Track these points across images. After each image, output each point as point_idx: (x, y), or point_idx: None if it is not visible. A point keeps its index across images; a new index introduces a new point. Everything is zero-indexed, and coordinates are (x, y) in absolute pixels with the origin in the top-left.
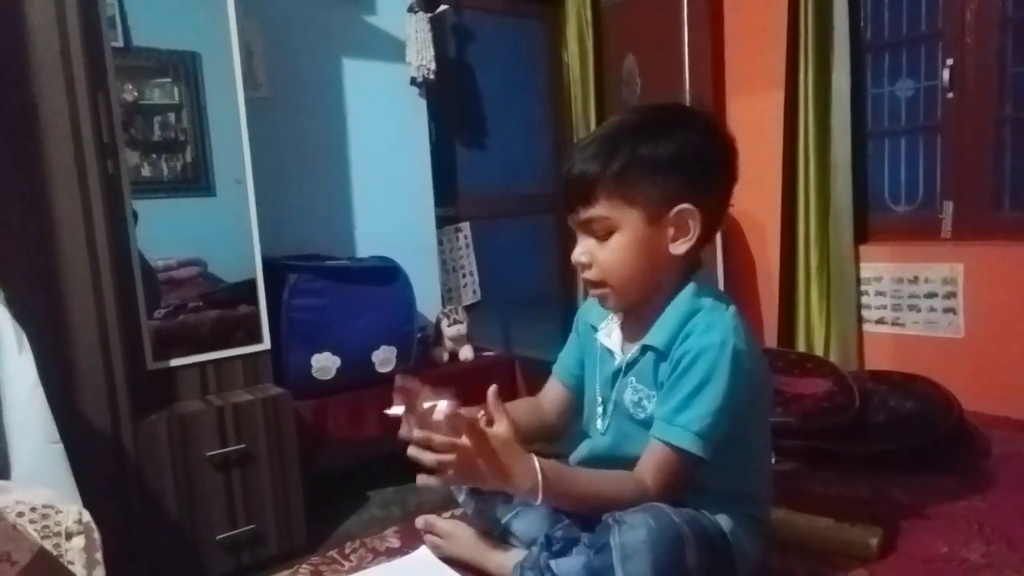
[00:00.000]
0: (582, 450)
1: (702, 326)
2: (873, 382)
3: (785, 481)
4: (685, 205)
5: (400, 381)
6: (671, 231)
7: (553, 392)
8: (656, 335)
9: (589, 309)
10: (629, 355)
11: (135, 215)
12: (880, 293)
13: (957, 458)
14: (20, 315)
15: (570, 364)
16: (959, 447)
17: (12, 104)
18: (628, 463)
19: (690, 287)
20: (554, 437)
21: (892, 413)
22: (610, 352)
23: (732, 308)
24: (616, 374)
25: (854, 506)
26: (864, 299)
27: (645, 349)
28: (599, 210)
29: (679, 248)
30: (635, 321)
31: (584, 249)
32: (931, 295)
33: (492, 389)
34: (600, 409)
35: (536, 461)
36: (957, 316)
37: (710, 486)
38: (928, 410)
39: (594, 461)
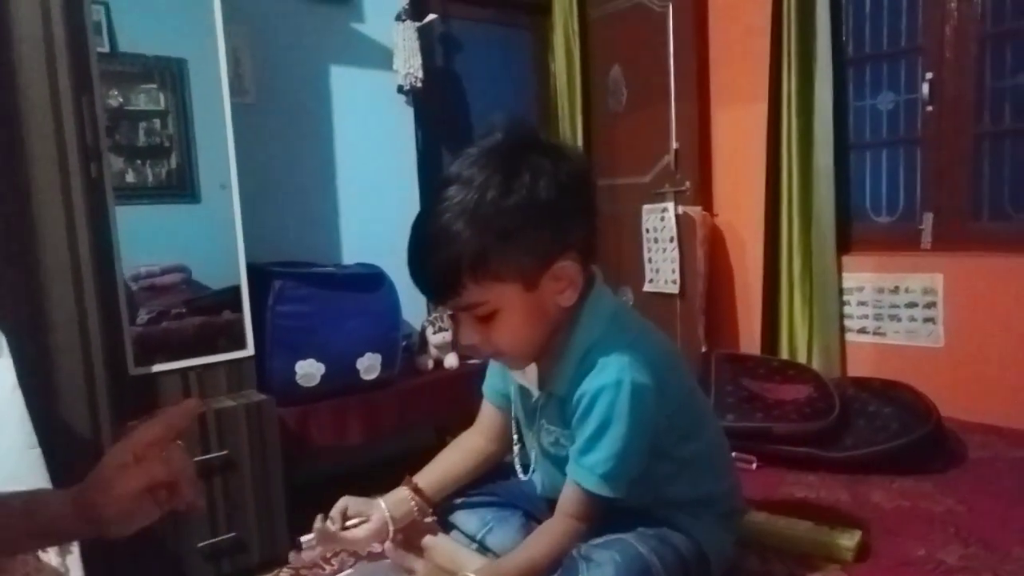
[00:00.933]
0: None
1: (597, 366)
2: (854, 388)
3: (765, 486)
4: (561, 262)
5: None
6: (553, 286)
7: (488, 417)
8: (557, 383)
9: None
10: (540, 398)
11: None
12: (862, 303)
13: (935, 462)
14: (1, 321)
15: (498, 385)
16: (937, 452)
17: None
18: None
19: (585, 320)
20: (497, 462)
21: (871, 418)
22: (525, 389)
23: (626, 335)
24: (532, 414)
25: (834, 509)
26: (847, 308)
27: (550, 395)
28: (470, 297)
29: (567, 300)
30: (544, 357)
31: (469, 332)
32: (912, 305)
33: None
34: (526, 443)
35: None
36: (937, 325)
37: (674, 498)
38: (907, 416)
39: (536, 501)
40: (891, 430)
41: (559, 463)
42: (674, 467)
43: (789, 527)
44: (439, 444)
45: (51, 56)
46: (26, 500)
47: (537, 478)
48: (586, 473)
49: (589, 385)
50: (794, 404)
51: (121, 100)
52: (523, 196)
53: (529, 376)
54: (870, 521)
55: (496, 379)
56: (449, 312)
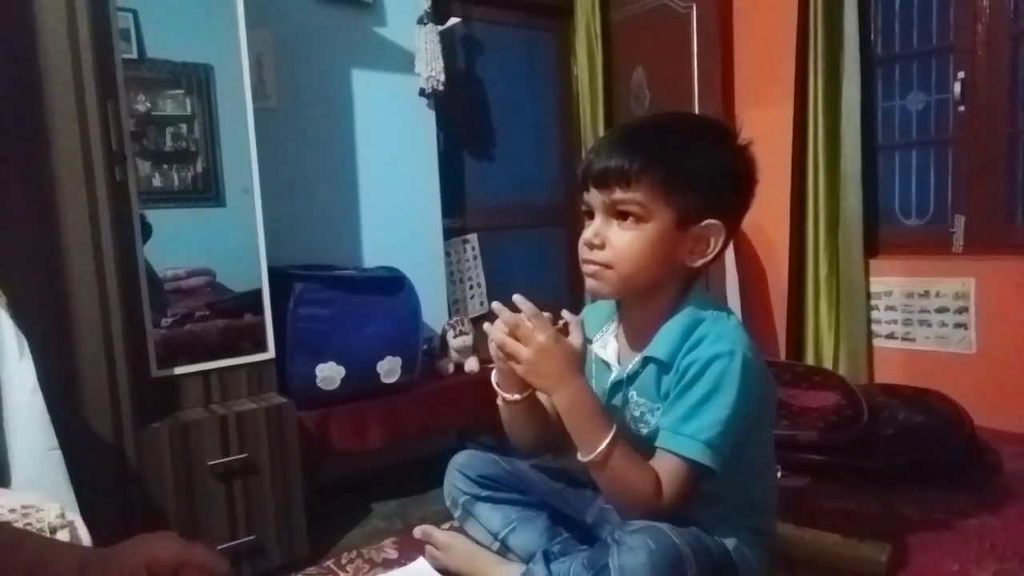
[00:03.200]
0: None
1: (711, 336)
2: (883, 396)
3: (792, 496)
4: (714, 221)
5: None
6: (692, 243)
7: (550, 404)
8: (659, 346)
9: (584, 320)
10: (629, 368)
11: (149, 227)
12: (890, 307)
13: (968, 474)
14: (25, 321)
15: None
16: (970, 463)
17: (22, 112)
18: None
19: (692, 298)
20: (556, 449)
21: (902, 427)
22: (606, 364)
23: (734, 318)
24: (615, 387)
25: (863, 522)
26: (874, 313)
27: (647, 361)
28: (637, 195)
29: (694, 261)
30: (632, 332)
31: (599, 229)
32: (942, 310)
33: (568, 316)
34: None
35: (584, 384)
36: (969, 331)
37: (717, 497)
38: (939, 425)
39: (568, 498)
40: (922, 440)
41: (638, 439)
42: (737, 468)
43: (816, 540)
44: (460, 449)
45: (77, 62)
46: (35, 551)
47: None
48: (687, 440)
49: (702, 353)
50: (820, 411)
51: (149, 105)
52: (723, 160)
53: (610, 351)
54: (901, 535)
55: None
56: (586, 213)
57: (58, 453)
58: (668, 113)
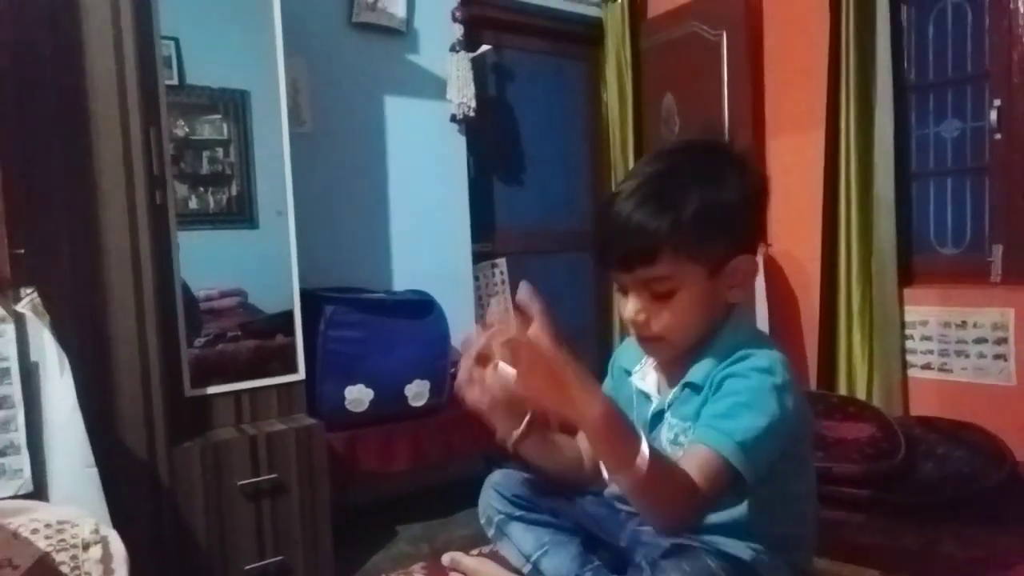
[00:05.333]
0: (611, 491)
1: (752, 356)
2: (920, 429)
3: (827, 529)
4: (745, 255)
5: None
6: (728, 281)
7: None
8: (697, 372)
9: (623, 352)
10: (669, 396)
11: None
12: (926, 337)
13: (1010, 511)
14: (65, 339)
15: None
16: (1012, 499)
17: (69, 138)
18: None
19: (732, 326)
20: (589, 483)
21: (940, 462)
22: (646, 396)
23: (772, 346)
24: (656, 417)
25: (901, 558)
26: (909, 343)
27: (684, 387)
28: (662, 269)
29: (736, 296)
30: (672, 361)
31: (640, 307)
32: (980, 340)
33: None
34: None
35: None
36: (1008, 363)
37: (755, 530)
38: (980, 459)
39: (602, 523)
40: (962, 474)
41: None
42: (780, 500)
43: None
44: (487, 473)
45: (122, 89)
46: None
47: None
48: (724, 437)
49: (738, 367)
50: (856, 443)
51: (187, 130)
52: (732, 191)
53: (649, 382)
54: (942, 573)
55: None
56: (618, 287)
57: (94, 471)
58: (665, 156)
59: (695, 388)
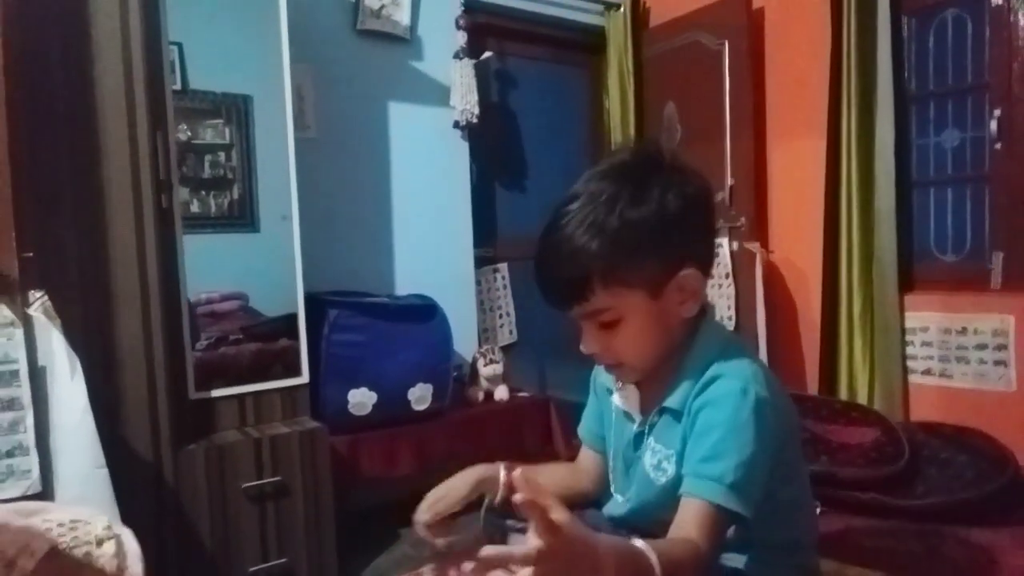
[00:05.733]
0: (607, 509)
1: (723, 376)
2: (923, 433)
3: (832, 532)
4: (687, 271)
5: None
6: (677, 298)
7: (587, 460)
8: (675, 397)
9: (601, 371)
10: (649, 418)
11: None
12: (927, 343)
13: (1013, 515)
14: (73, 343)
15: (594, 427)
16: (1016, 503)
17: (77, 143)
18: (648, 529)
19: (703, 339)
20: (588, 503)
21: (944, 466)
22: (627, 415)
23: (746, 354)
24: (639, 438)
25: (905, 561)
26: (910, 349)
27: (663, 411)
28: (597, 303)
29: (689, 311)
30: (650, 380)
31: (591, 339)
32: (981, 347)
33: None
34: (622, 473)
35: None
36: (1008, 368)
37: (757, 540)
38: (983, 464)
39: (614, 526)
40: (966, 479)
41: (657, 489)
42: (771, 508)
43: None
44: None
45: (130, 94)
46: None
47: (618, 505)
48: (713, 485)
49: (712, 394)
50: (859, 448)
51: (189, 134)
52: (652, 209)
53: (631, 401)
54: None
55: (592, 422)
56: (572, 314)
57: (105, 471)
58: (594, 177)
59: (673, 413)
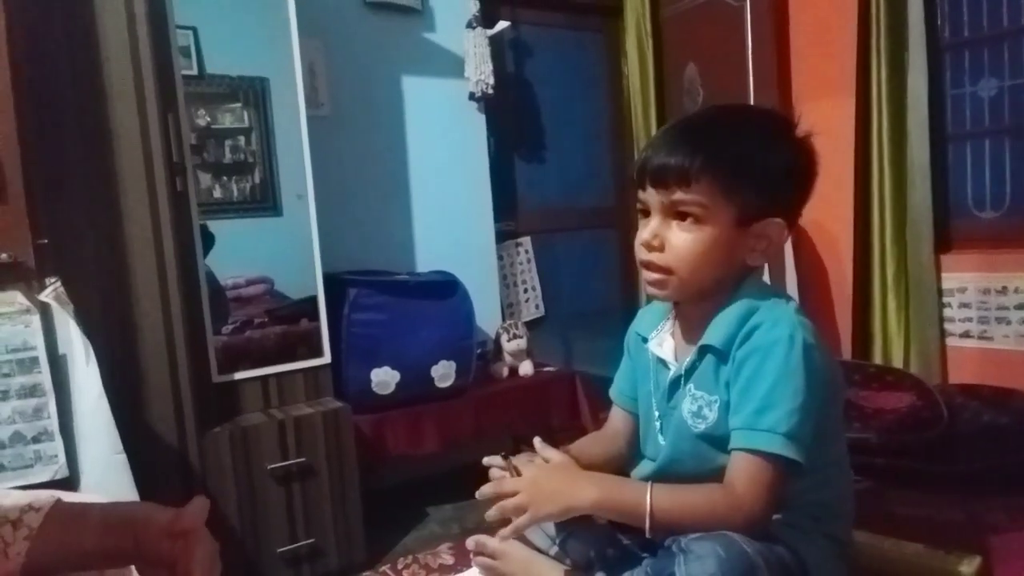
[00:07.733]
0: (636, 472)
1: (767, 322)
2: (962, 397)
3: (866, 502)
4: (777, 220)
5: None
6: (753, 241)
7: (617, 420)
8: (714, 334)
9: (640, 318)
10: (686, 362)
11: (212, 237)
12: (965, 304)
13: None
14: (90, 328)
15: (625, 388)
16: None
17: (87, 129)
18: (684, 482)
19: (747, 285)
20: (623, 466)
21: (985, 429)
22: (663, 363)
23: (793, 303)
24: (675, 384)
25: (946, 530)
26: (947, 311)
27: (703, 351)
28: (697, 195)
29: (755, 259)
30: (688, 327)
31: (656, 230)
32: (1022, 307)
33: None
34: (658, 424)
35: (596, 475)
36: None
37: (788, 502)
38: None
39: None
40: (1009, 442)
41: (692, 437)
42: (808, 466)
43: (897, 549)
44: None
45: (139, 79)
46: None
47: (650, 460)
48: (767, 436)
49: (758, 341)
50: (895, 413)
51: (208, 120)
52: (788, 155)
53: (667, 349)
54: (989, 544)
55: (624, 383)
56: (642, 211)
57: (123, 457)
58: (726, 106)
59: (714, 352)
